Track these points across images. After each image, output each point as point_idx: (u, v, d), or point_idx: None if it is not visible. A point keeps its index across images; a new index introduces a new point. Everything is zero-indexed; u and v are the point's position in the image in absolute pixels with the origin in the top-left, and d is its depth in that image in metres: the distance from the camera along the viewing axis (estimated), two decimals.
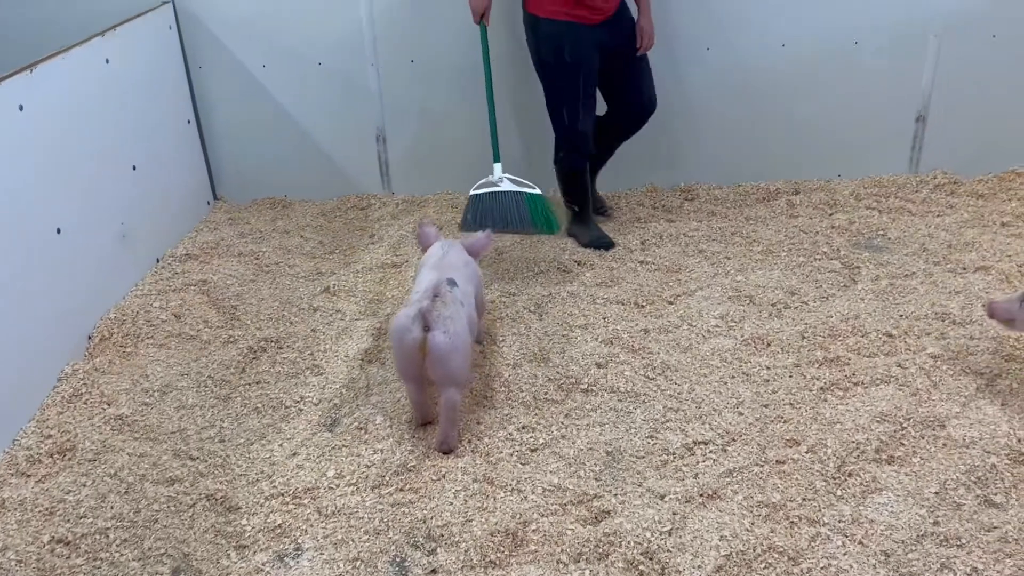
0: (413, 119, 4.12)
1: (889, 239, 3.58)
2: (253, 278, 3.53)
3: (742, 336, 2.97)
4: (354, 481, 2.38)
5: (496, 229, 3.32)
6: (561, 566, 2.08)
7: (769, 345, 2.92)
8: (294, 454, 2.52)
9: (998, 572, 2.00)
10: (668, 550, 2.10)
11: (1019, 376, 2.66)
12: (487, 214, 3.38)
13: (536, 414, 2.64)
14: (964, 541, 2.09)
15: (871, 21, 3.88)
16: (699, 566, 2.04)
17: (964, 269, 3.30)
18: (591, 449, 2.47)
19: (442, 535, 2.18)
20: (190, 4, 3.91)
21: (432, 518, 2.23)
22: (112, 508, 2.30)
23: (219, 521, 2.29)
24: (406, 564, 2.12)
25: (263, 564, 2.14)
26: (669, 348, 2.93)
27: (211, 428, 2.66)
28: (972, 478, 2.27)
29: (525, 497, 2.30)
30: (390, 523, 2.23)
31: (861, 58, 3.95)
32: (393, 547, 2.16)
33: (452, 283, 2.59)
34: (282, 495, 2.35)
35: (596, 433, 2.54)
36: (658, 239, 3.71)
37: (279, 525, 2.25)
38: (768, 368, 2.79)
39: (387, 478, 2.39)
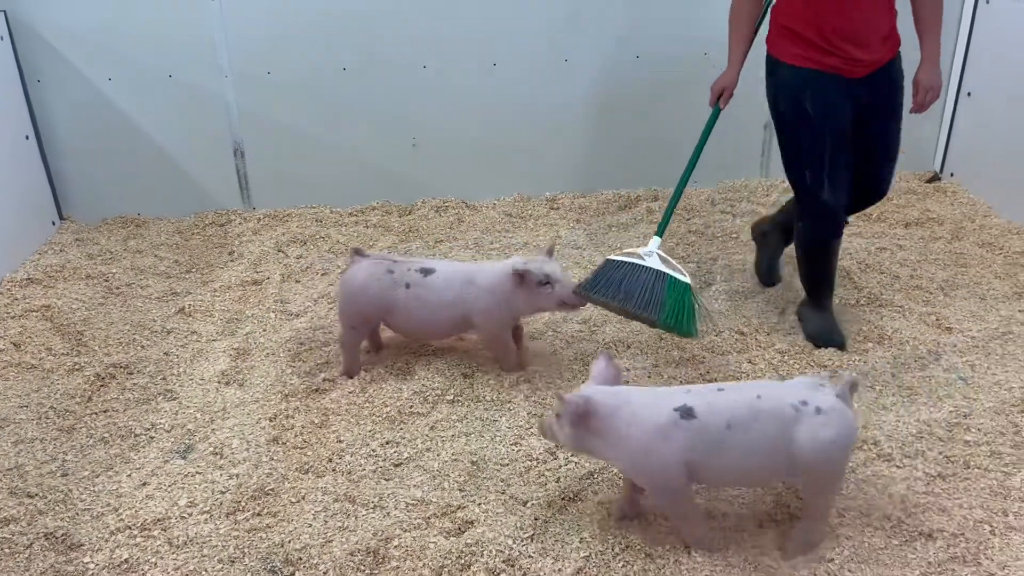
0: (272, 132, 4.02)
1: (742, 241, 3.74)
2: (102, 301, 3.34)
3: (603, 340, 3.03)
4: (207, 508, 2.28)
5: (614, 305, 2.67)
6: None
7: (629, 347, 2.99)
8: (144, 484, 2.40)
9: (838, 554, 2.11)
10: (530, 556, 2.11)
11: (859, 367, 2.83)
12: (611, 283, 2.69)
13: (401, 428, 2.61)
14: None
15: (719, 33, 4.05)
16: (559, 569, 2.06)
17: None
18: (456, 460, 2.46)
19: (300, 558, 2.11)
20: (24, 14, 3.68)
21: (290, 541, 2.16)
22: None
23: (59, 561, 2.14)
24: None
25: None
26: (534, 355, 2.96)
27: (52, 462, 2.50)
28: None
29: (388, 513, 2.26)
30: (246, 550, 2.15)
31: (711, 68, 4.11)
32: (249, 574, 2.08)
33: (426, 271, 2.74)
34: (129, 528, 2.23)
35: (461, 444, 2.53)
36: (523, 246, 3.75)
37: (125, 560, 2.13)
38: (628, 370, 2.85)
39: (243, 503, 2.30)
